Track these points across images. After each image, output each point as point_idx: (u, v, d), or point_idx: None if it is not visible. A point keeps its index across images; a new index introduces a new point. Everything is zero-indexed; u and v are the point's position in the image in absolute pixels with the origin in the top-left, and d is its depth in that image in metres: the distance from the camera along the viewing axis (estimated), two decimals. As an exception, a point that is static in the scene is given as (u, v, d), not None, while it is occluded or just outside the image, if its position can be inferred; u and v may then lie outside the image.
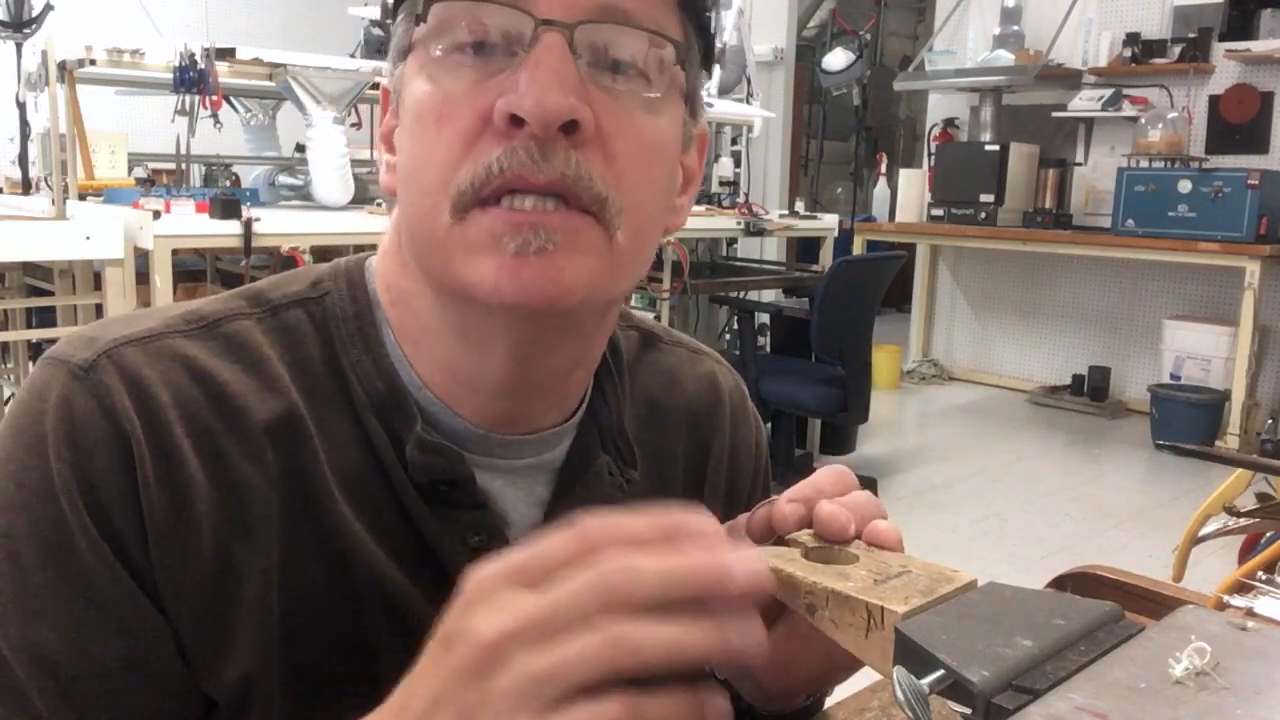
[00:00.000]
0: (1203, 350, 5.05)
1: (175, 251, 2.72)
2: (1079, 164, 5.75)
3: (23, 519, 0.50)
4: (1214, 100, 5.24)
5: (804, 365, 3.91)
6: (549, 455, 0.63)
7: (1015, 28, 5.74)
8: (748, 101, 4.48)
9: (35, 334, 3.59)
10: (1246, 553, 1.51)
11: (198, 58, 2.91)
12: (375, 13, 4.03)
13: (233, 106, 3.80)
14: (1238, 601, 0.85)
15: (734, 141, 4.73)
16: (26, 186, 3.89)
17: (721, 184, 4.44)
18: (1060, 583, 1.00)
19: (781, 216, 4.43)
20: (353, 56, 3.88)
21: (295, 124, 3.49)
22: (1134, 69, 5.42)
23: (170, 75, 2.91)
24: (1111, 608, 0.46)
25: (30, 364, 3.62)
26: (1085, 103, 5.52)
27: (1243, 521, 1.20)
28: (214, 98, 2.94)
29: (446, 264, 0.53)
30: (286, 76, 3.07)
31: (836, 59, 6.35)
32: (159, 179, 3.56)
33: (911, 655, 0.42)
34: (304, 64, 3.11)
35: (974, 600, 0.46)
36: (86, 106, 3.13)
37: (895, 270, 3.82)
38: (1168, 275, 5.46)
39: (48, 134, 3.11)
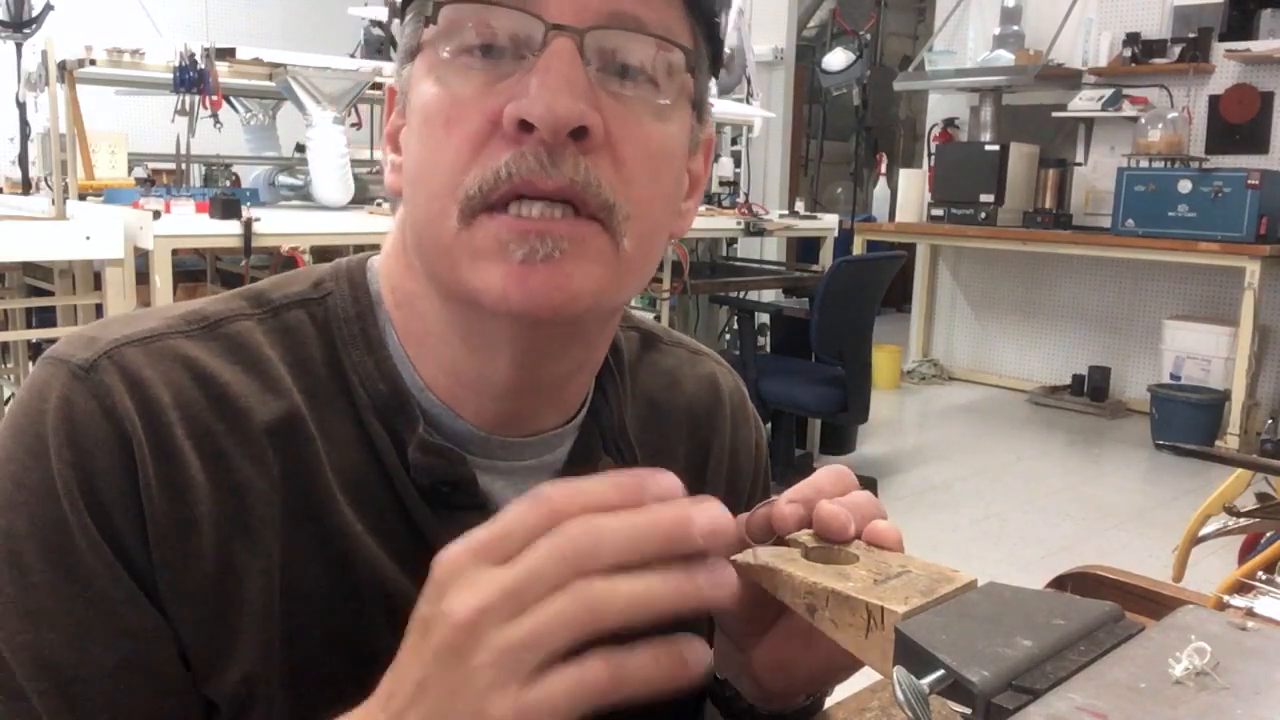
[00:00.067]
0: (1203, 350, 5.05)
1: (175, 251, 2.72)
2: (1079, 164, 5.75)
3: (23, 519, 0.50)
4: (1214, 100, 5.24)
5: (804, 365, 3.91)
6: (550, 457, 0.63)
7: (1015, 28, 5.74)
8: (748, 101, 4.48)
9: (35, 334, 3.60)
10: (1246, 553, 1.51)
11: (198, 58, 2.91)
12: (375, 13, 4.04)
13: (233, 106, 3.80)
14: (1238, 601, 0.85)
15: (734, 141, 4.73)
16: (26, 186, 3.89)
17: (721, 184, 4.44)
18: (1060, 583, 1.00)
19: (781, 216, 4.43)
20: (353, 56, 3.88)
21: (295, 124, 3.49)
22: (1134, 69, 5.42)
23: (170, 75, 2.91)
24: (1111, 608, 0.46)
25: (30, 364, 3.62)
26: (1085, 103, 5.52)
27: (1243, 521, 1.21)
28: (214, 98, 2.94)
29: (453, 269, 0.53)
30: (286, 76, 3.07)
31: (836, 59, 6.35)
32: (159, 179, 3.56)
33: (911, 655, 0.42)
34: (304, 64, 3.11)
35: (974, 600, 0.46)
36: (86, 106, 3.13)
37: (895, 270, 3.82)
38: (1168, 275, 5.46)
39: (48, 134, 3.11)
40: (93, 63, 2.86)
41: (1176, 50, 5.30)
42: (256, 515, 0.54)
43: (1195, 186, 4.86)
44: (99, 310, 2.93)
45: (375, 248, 0.65)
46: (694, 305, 4.42)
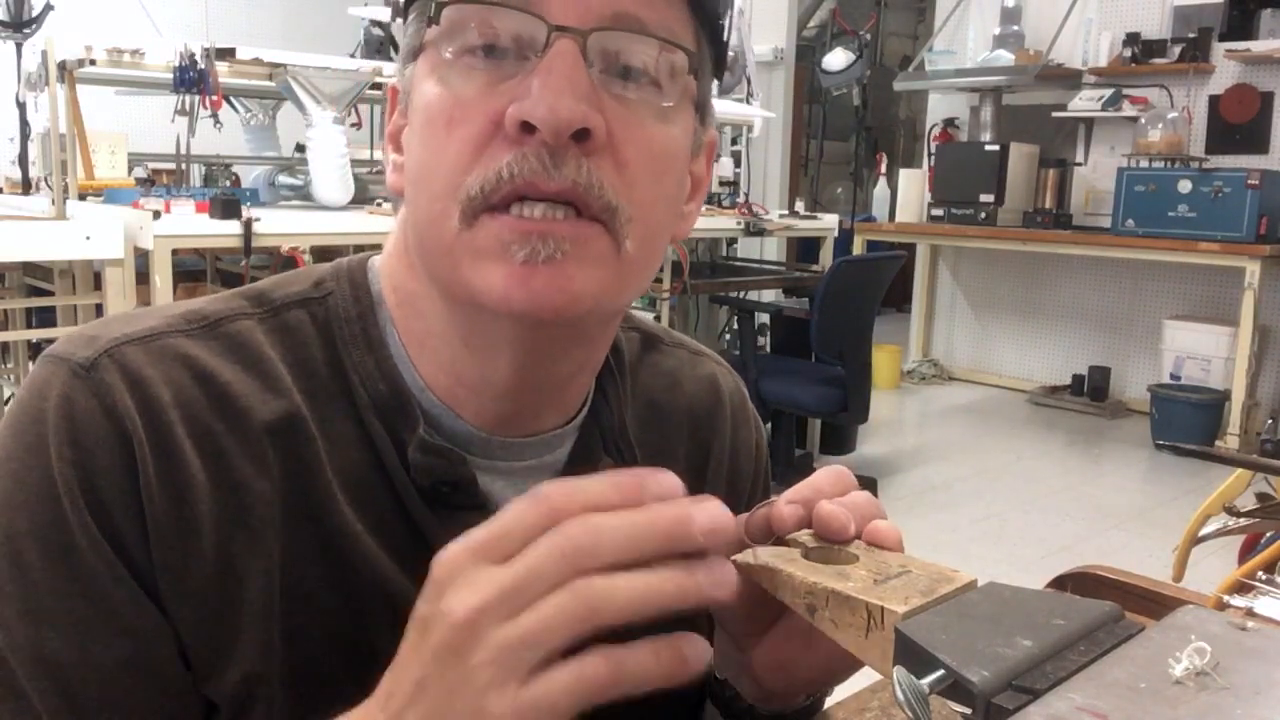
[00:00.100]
0: (1203, 350, 5.05)
1: (175, 251, 2.72)
2: (1079, 164, 5.75)
3: (23, 518, 0.50)
4: (1214, 100, 5.25)
5: (804, 365, 3.91)
6: (550, 457, 0.63)
7: (1015, 28, 5.74)
8: (748, 101, 4.48)
9: (35, 334, 3.60)
10: (1246, 553, 1.51)
11: (198, 58, 2.91)
12: (375, 13, 4.04)
13: (233, 106, 3.80)
14: (1238, 601, 0.85)
15: (734, 141, 4.73)
16: (26, 186, 3.89)
17: (721, 184, 4.44)
18: (1060, 583, 1.00)
19: (781, 216, 4.43)
20: (353, 56, 3.88)
21: (295, 124, 3.49)
22: (1134, 69, 5.42)
23: (170, 75, 2.91)
24: (1111, 608, 0.46)
25: (30, 364, 3.62)
26: (1085, 103, 5.52)
27: (1243, 521, 1.21)
28: (214, 98, 2.94)
29: (454, 269, 0.53)
30: (286, 76, 3.07)
31: (836, 59, 6.35)
32: (159, 179, 3.56)
33: (911, 655, 0.42)
34: (304, 64, 3.11)
35: (974, 600, 0.46)
36: (86, 106, 3.14)
37: (895, 270, 3.82)
38: (1168, 275, 5.46)
39: (48, 134, 3.11)
40: (93, 63, 2.86)
41: (1176, 50, 5.30)
42: (257, 515, 0.54)
43: (1195, 186, 4.86)
44: (99, 310, 2.93)
45: (375, 248, 0.65)
46: (694, 305, 4.42)
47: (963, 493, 4.11)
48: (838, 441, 4.30)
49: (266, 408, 0.55)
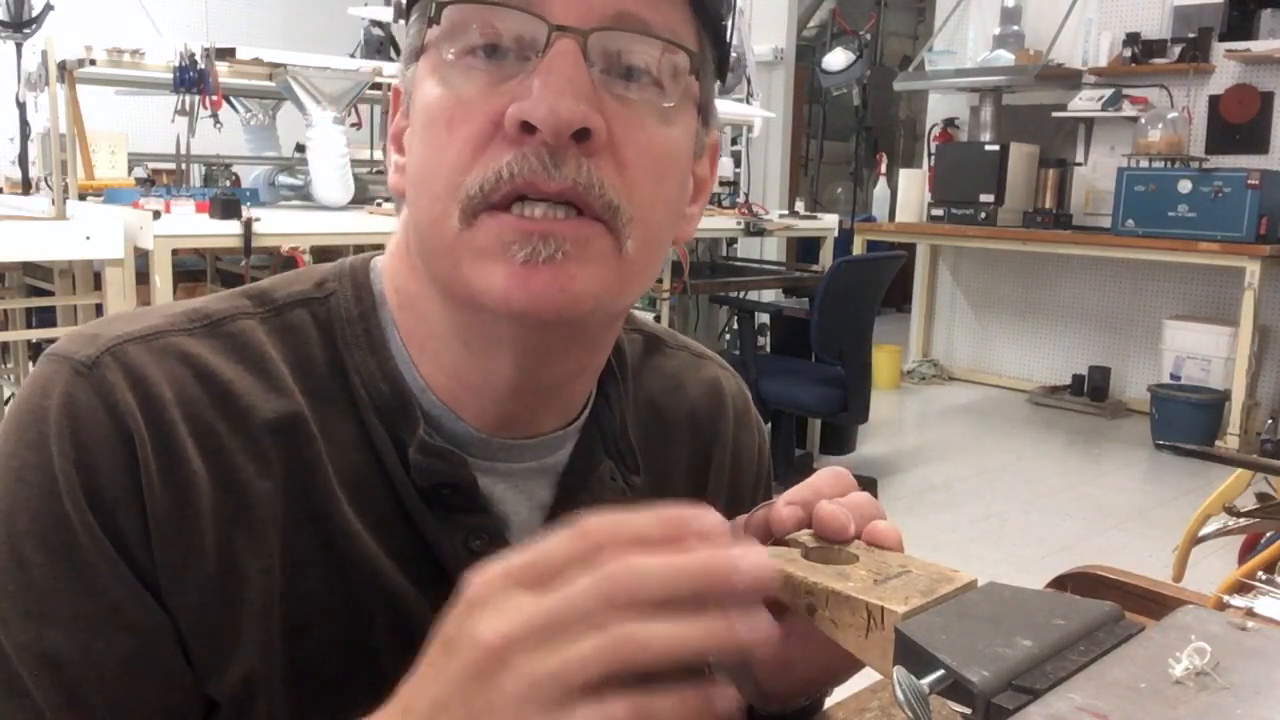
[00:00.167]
0: (1203, 350, 5.05)
1: (175, 251, 2.72)
2: (1079, 164, 5.75)
3: (25, 516, 0.50)
4: (1214, 100, 5.24)
5: (804, 365, 3.91)
6: (551, 459, 0.63)
7: (1015, 28, 5.74)
8: (748, 101, 4.48)
9: (35, 334, 3.60)
10: (1246, 553, 1.52)
11: (198, 58, 2.91)
12: (375, 13, 4.04)
13: (233, 106, 3.80)
14: (1238, 601, 0.85)
15: (734, 141, 4.73)
16: (26, 186, 3.89)
17: (721, 184, 4.44)
18: (1060, 583, 1.00)
19: (781, 216, 4.43)
20: (353, 56, 3.88)
21: (295, 124, 3.49)
22: (1134, 69, 5.41)
23: (170, 75, 2.91)
24: (1111, 608, 0.46)
25: (30, 364, 3.62)
26: (1085, 103, 5.52)
27: (1243, 521, 1.21)
28: (214, 98, 2.94)
29: (455, 269, 0.53)
30: (286, 76, 3.07)
31: (836, 59, 6.34)
32: (159, 179, 3.56)
33: (911, 655, 0.42)
34: (304, 64, 3.11)
35: (974, 600, 0.46)
36: (86, 106, 3.14)
37: (895, 270, 3.82)
38: (1168, 275, 5.46)
39: (48, 134, 3.11)
40: (93, 63, 2.86)
41: (1176, 50, 5.30)
42: (258, 514, 0.54)
43: (1195, 186, 4.86)
44: (99, 310, 2.93)
45: (375, 248, 0.65)
46: (694, 305, 4.42)
47: (963, 493, 4.11)
48: (838, 441, 4.30)
49: (268, 407, 0.55)
